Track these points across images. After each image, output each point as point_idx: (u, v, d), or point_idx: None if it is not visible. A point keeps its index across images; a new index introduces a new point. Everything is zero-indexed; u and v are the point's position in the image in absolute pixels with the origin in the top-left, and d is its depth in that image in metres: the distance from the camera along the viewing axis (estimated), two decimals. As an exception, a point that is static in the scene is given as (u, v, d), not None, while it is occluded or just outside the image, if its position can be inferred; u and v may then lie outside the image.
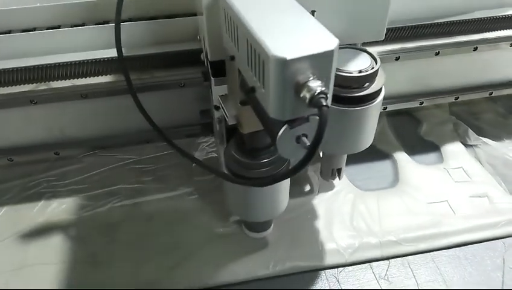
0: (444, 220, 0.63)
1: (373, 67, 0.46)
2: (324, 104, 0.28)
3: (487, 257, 0.59)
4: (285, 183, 0.52)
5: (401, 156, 0.74)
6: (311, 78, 0.28)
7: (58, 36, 0.61)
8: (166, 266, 0.58)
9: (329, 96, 0.30)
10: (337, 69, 0.45)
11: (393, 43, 0.67)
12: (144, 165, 0.73)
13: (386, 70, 0.50)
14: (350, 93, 0.46)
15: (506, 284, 0.56)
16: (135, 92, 0.43)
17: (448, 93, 0.78)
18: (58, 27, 0.62)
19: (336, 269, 0.58)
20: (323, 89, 0.28)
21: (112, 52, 0.61)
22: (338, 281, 0.57)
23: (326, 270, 0.58)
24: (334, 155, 0.60)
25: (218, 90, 0.45)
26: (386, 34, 0.49)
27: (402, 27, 0.67)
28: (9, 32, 0.61)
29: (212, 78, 0.44)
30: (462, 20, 0.69)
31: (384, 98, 0.50)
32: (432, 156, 0.76)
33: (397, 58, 0.67)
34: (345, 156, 0.61)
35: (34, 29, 0.62)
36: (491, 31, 0.71)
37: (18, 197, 0.67)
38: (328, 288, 0.56)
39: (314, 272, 0.58)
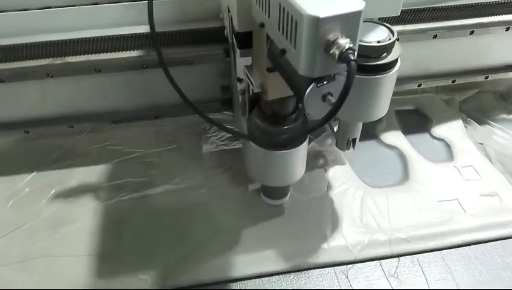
0: (454, 218, 0.62)
1: (390, 39, 0.49)
2: (352, 58, 0.30)
3: (497, 255, 0.59)
4: (303, 151, 0.55)
5: (411, 153, 0.74)
6: (340, 36, 0.31)
7: (73, 14, 0.63)
8: (174, 258, 0.58)
9: (355, 53, 0.32)
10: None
11: (394, 25, 0.68)
12: (150, 158, 0.72)
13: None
14: (369, 62, 0.49)
15: (516, 284, 0.55)
16: (166, 66, 0.45)
17: (445, 76, 0.81)
18: (73, 6, 0.63)
19: (345, 266, 0.57)
20: (351, 45, 0.31)
21: (125, 30, 0.65)
22: (347, 277, 0.56)
23: (336, 267, 0.57)
24: (349, 125, 0.62)
25: (242, 62, 0.48)
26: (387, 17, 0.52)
27: (403, 10, 0.68)
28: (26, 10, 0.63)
29: (238, 50, 0.46)
30: (460, 5, 0.71)
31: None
32: (441, 154, 0.75)
33: (397, 40, 0.68)
34: (360, 126, 0.63)
35: (49, 7, 0.63)
36: (487, 16, 0.73)
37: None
38: (337, 286, 0.55)
39: (323, 269, 0.57)
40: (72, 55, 0.65)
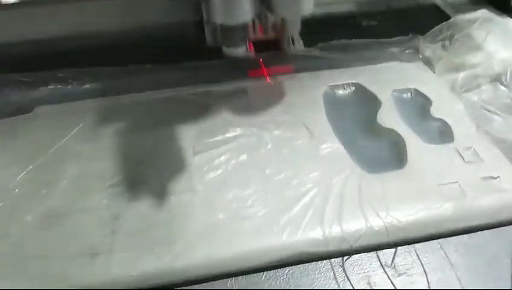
0: (455, 204, 0.60)
1: None
2: None
3: (498, 244, 0.57)
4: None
5: (409, 135, 0.71)
6: None
7: None
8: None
9: None
10: None
11: None
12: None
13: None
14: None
15: (518, 272, 0.54)
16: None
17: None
18: None
19: (341, 258, 0.56)
20: None
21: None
22: (344, 269, 0.55)
23: (332, 259, 0.56)
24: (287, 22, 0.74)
25: None
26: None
27: None
28: None
29: None
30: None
31: None
32: (441, 135, 0.73)
33: None
34: (298, 26, 0.73)
35: None
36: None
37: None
38: (333, 279, 0.54)
39: (318, 262, 0.55)
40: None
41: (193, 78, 0.86)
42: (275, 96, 0.80)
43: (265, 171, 0.66)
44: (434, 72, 0.87)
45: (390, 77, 0.84)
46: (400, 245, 0.57)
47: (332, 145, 0.69)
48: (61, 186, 0.64)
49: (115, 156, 0.69)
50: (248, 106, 0.78)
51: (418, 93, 0.80)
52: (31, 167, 0.67)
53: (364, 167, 0.66)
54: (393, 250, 0.57)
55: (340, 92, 0.82)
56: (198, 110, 0.77)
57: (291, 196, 0.62)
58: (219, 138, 0.71)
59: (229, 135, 0.72)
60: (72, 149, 0.71)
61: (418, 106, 0.79)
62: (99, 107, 0.79)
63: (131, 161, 0.69)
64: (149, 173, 0.66)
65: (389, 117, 0.75)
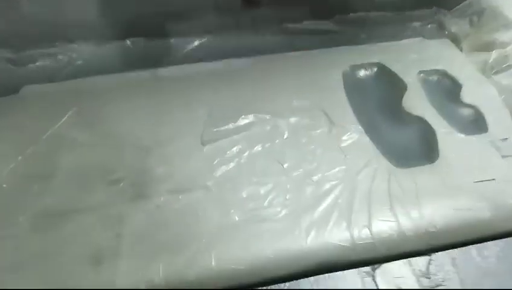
0: (493, 204, 0.55)
1: None
2: None
3: (542, 249, 0.52)
4: None
5: (439, 124, 0.64)
6: None
7: None
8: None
9: None
10: None
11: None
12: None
13: None
14: None
15: None
16: None
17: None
18: None
19: (371, 266, 0.50)
20: None
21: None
22: (374, 279, 0.50)
23: (361, 268, 0.50)
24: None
25: None
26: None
27: None
28: None
29: None
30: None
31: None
32: (473, 124, 0.66)
33: None
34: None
35: None
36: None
37: None
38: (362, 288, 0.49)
39: (345, 270, 0.50)
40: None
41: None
42: (288, 77, 0.72)
43: (282, 165, 0.59)
44: (461, 51, 0.79)
45: (415, 55, 0.76)
46: (435, 251, 0.52)
47: (355, 135, 0.63)
48: (57, 181, 0.57)
49: (115, 144, 0.62)
50: (259, 87, 0.70)
51: (446, 75, 0.73)
52: (20, 158, 0.60)
53: (392, 160, 0.60)
54: (427, 258, 0.52)
55: (362, 73, 0.74)
56: (205, 92, 0.69)
57: (313, 194, 0.56)
58: (230, 126, 0.64)
59: (241, 122, 0.64)
60: (67, 137, 0.63)
61: (447, 90, 0.72)
62: (94, 87, 0.71)
63: (133, 150, 0.61)
64: (154, 164, 0.59)
65: (416, 102, 0.68)
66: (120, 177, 0.58)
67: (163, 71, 0.74)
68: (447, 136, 0.63)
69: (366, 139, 0.63)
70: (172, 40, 0.80)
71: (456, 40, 0.81)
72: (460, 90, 0.70)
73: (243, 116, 0.65)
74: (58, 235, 0.52)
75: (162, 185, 0.57)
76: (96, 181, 0.57)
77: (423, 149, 0.63)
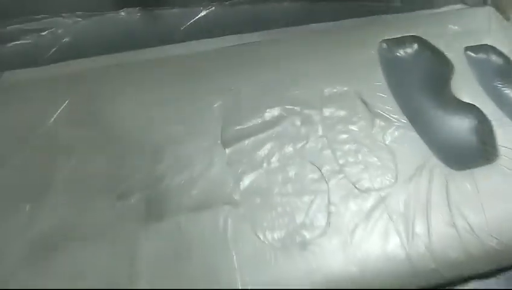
0: None
1: None
2: None
3: None
4: None
5: (495, 114, 0.55)
6: None
7: None
8: None
9: None
10: None
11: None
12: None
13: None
14: None
15: None
16: None
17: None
18: None
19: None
20: None
21: None
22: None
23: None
24: None
25: None
26: None
27: None
28: None
29: None
30: None
31: None
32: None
33: None
34: None
35: None
36: None
37: None
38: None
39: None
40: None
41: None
42: (313, 56, 0.62)
43: (319, 170, 0.50)
44: (508, 21, 0.69)
45: (458, 27, 0.66)
46: (504, 271, 0.45)
47: (401, 129, 0.54)
48: (52, 199, 0.47)
49: (119, 146, 0.52)
50: (283, 71, 0.59)
51: (495, 51, 0.63)
52: (5, 167, 0.50)
53: (446, 160, 0.51)
54: (495, 280, 0.44)
55: (400, 49, 0.64)
56: (218, 77, 0.59)
57: (361, 206, 0.47)
58: (254, 122, 0.54)
59: (266, 117, 0.54)
60: (60, 138, 0.52)
61: (497, 70, 0.62)
62: (88, 72, 0.60)
63: (141, 153, 0.51)
64: (168, 171, 0.50)
65: (466, 86, 0.59)
66: (129, 188, 0.48)
67: (167, 50, 0.63)
68: (505, 128, 0.54)
69: (413, 133, 0.54)
70: (174, 10, 0.68)
71: (501, 9, 0.71)
72: (513, 69, 0.61)
73: (268, 109, 0.55)
74: (57, 270, 0.43)
75: (179, 199, 0.48)
76: (101, 196, 0.48)
77: (479, 145, 0.54)
